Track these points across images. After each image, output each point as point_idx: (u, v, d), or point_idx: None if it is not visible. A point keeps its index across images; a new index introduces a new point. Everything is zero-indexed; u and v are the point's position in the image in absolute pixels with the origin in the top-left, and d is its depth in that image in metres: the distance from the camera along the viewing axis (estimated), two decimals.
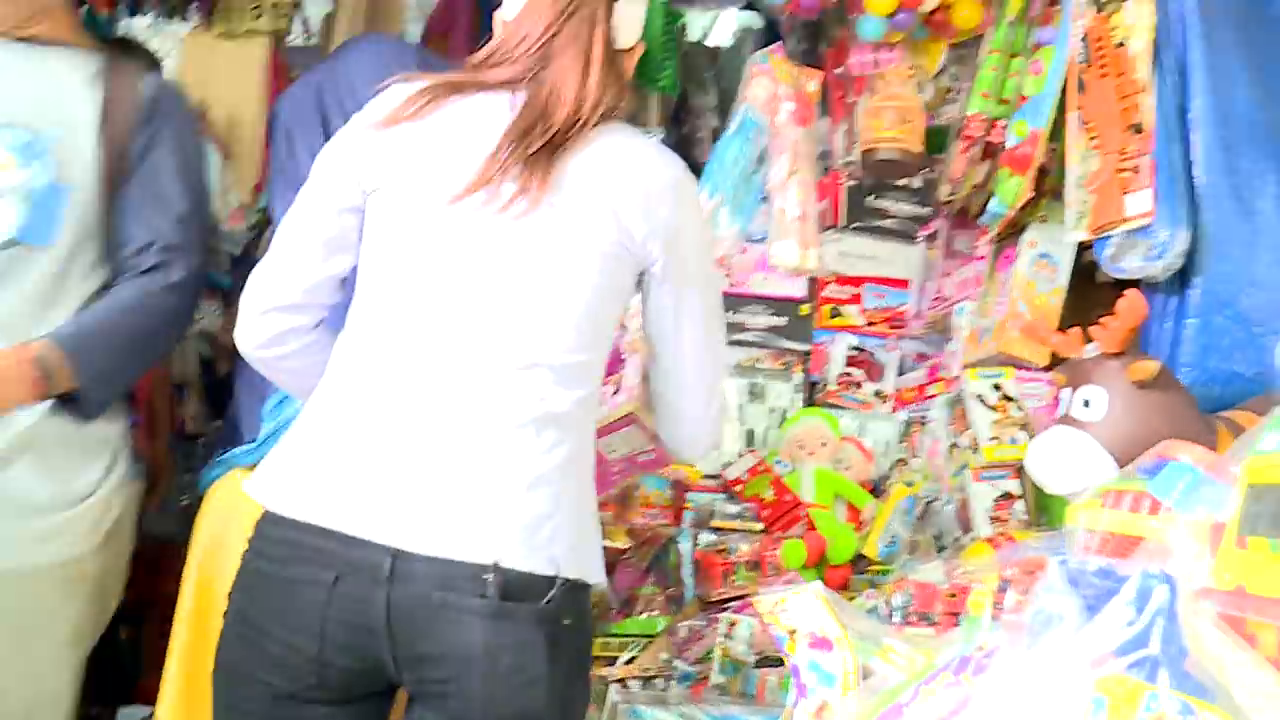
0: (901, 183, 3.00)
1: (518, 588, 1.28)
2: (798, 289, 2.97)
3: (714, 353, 1.52)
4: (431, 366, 1.34)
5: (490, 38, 1.51)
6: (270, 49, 3.48)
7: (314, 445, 1.37)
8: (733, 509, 2.58)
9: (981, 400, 2.35)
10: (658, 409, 1.60)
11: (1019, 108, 2.53)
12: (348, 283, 1.45)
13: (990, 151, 2.58)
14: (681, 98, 3.91)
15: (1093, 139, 2.24)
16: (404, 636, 1.27)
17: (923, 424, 2.64)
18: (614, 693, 1.82)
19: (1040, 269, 2.43)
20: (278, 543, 1.32)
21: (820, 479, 2.65)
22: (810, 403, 2.92)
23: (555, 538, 1.32)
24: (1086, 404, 1.78)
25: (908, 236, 3.02)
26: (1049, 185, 2.44)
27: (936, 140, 2.79)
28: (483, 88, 1.40)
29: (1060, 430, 1.81)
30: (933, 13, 2.60)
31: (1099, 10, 2.27)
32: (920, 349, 2.92)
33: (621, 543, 2.67)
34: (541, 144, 1.34)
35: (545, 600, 1.29)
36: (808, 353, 2.98)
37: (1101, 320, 1.85)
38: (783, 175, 2.57)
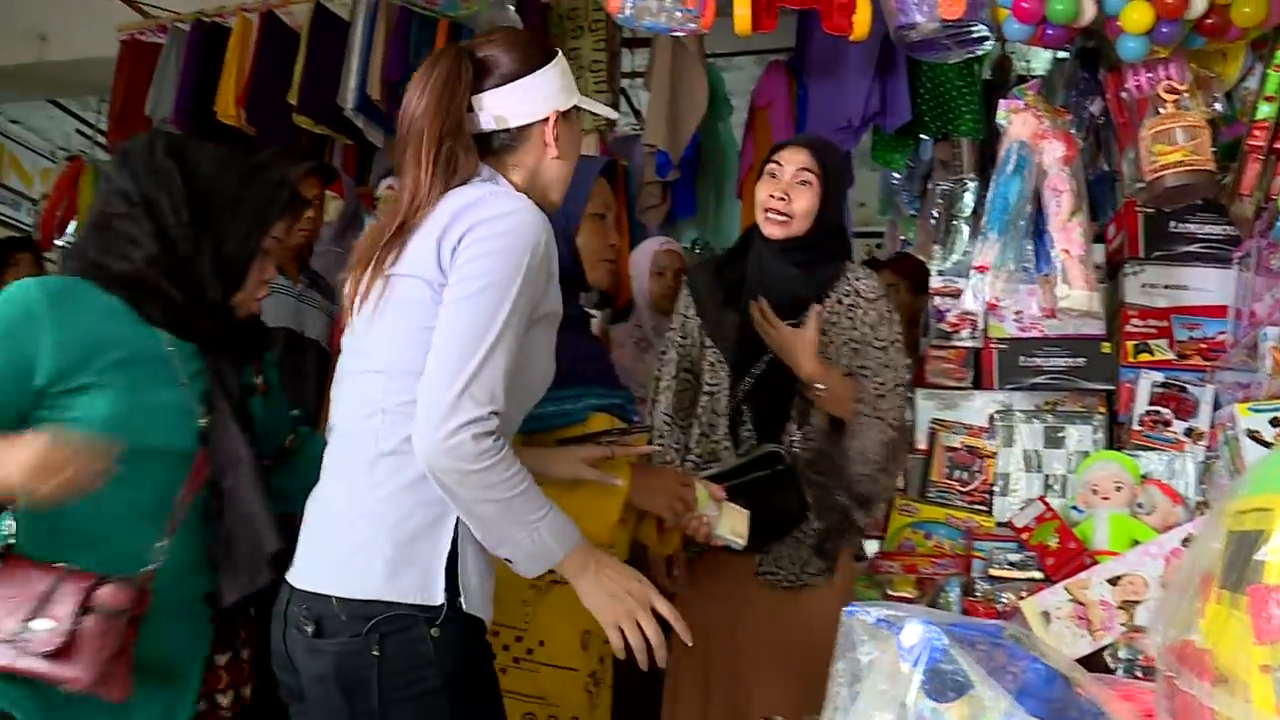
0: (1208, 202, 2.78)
1: (334, 621, 1.46)
2: (1096, 327, 2.82)
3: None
4: (334, 432, 1.61)
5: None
6: (599, 142, 3.89)
7: None
8: (1015, 557, 2.50)
9: (1255, 437, 2.13)
10: None
11: None
12: None
13: None
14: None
15: None
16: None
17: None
18: None
19: None
20: None
21: (1116, 525, 2.51)
22: (1115, 444, 2.76)
23: (371, 563, 1.46)
24: None
25: (1220, 260, 2.79)
26: None
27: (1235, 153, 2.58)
28: None
29: None
30: (1205, 17, 2.43)
31: None
32: (1240, 379, 2.67)
33: (908, 592, 2.67)
34: (389, 236, 1.56)
35: (356, 634, 1.44)
36: (1112, 392, 2.82)
37: None
38: (1064, 216, 2.50)
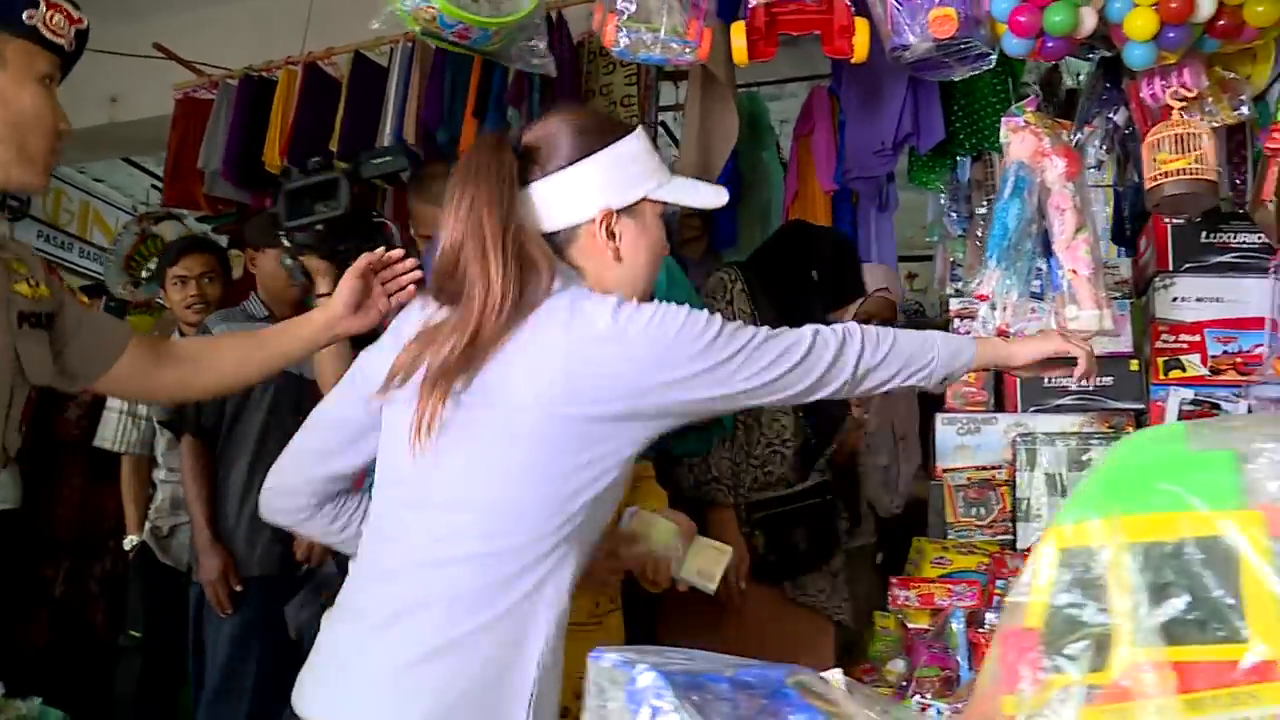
0: (1243, 211, 2.66)
1: None
2: (1123, 344, 2.72)
3: None
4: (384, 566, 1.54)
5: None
6: None
7: None
8: None
9: None
10: None
11: None
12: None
13: None
14: None
15: None
16: None
17: None
18: None
19: None
20: None
21: None
22: None
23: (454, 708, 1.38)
24: None
25: (1256, 269, 2.66)
26: None
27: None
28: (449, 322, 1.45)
29: None
30: (1215, 19, 2.33)
31: None
32: (1274, 394, 2.54)
33: (924, 624, 2.60)
34: (457, 354, 1.39)
35: None
36: (1141, 411, 2.71)
37: None
38: (1068, 234, 2.42)
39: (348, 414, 1.57)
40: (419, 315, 1.50)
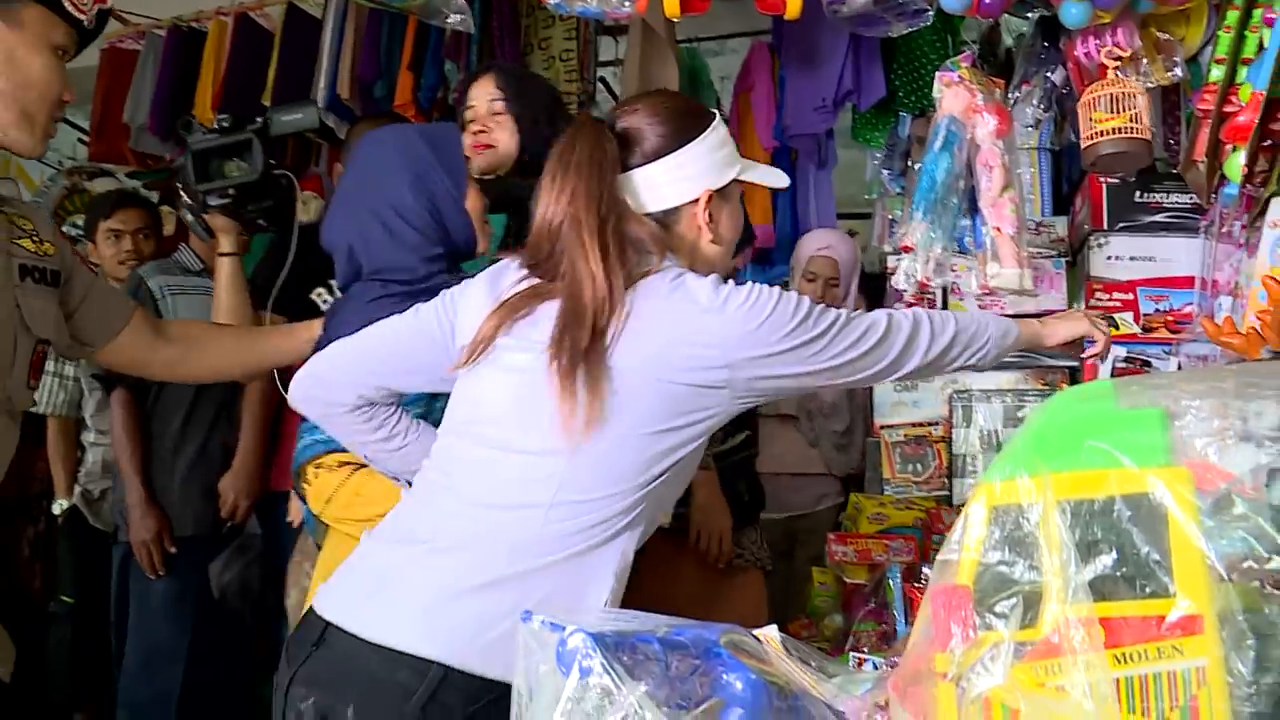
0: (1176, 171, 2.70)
1: (452, 693, 1.36)
2: (1056, 301, 2.76)
3: None
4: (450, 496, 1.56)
5: None
6: None
7: None
8: None
9: None
10: None
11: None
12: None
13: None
14: None
15: None
16: None
17: None
18: None
19: None
20: None
21: None
22: None
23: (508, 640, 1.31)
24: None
25: (1188, 229, 2.70)
26: None
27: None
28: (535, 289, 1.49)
29: None
30: None
31: None
32: (1202, 351, 2.58)
33: (861, 579, 2.63)
34: (575, 358, 1.40)
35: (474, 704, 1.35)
36: (1075, 369, 2.75)
37: (1261, 314, 1.60)
38: (994, 192, 2.43)
39: (429, 342, 1.59)
40: (514, 276, 1.54)
